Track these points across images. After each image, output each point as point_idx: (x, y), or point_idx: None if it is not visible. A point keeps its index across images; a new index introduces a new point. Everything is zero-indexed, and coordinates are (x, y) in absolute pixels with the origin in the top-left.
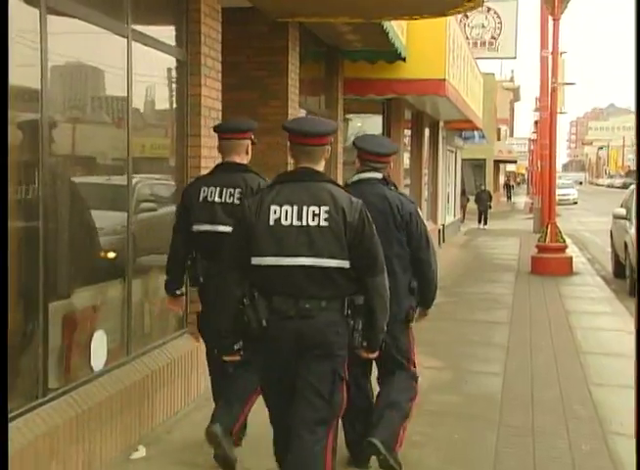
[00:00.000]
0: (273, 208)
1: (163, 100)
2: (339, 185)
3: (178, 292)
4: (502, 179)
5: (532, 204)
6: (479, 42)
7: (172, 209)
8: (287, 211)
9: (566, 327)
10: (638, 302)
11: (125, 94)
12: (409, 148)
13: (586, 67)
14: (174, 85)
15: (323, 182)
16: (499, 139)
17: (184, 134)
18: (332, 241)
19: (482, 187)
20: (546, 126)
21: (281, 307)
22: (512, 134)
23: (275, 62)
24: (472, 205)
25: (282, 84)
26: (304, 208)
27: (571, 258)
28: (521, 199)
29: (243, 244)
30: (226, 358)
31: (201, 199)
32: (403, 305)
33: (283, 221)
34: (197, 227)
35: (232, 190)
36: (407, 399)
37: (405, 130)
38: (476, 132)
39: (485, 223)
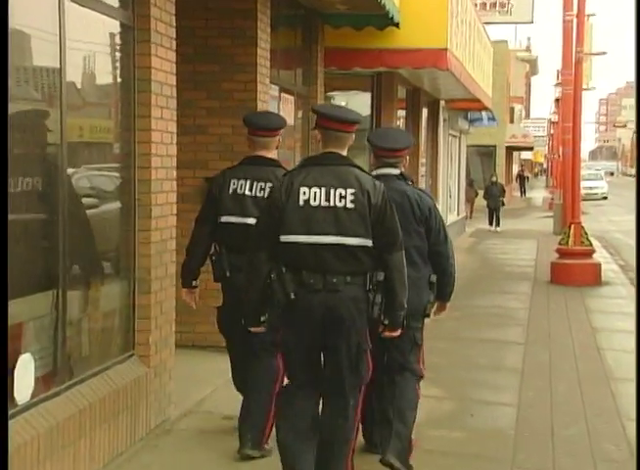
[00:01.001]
0: (303, 189)
1: (105, 73)
2: (363, 169)
3: (194, 283)
4: (516, 169)
5: (552, 199)
6: (488, 3)
7: (117, 204)
8: (315, 193)
9: (593, 348)
10: (638, 302)
11: (58, 65)
12: None
13: (619, 33)
14: (118, 55)
15: (348, 166)
16: (512, 121)
17: (131, 115)
18: (357, 221)
19: (494, 179)
20: (570, 105)
21: (309, 281)
22: (528, 115)
23: (241, 28)
24: (480, 201)
25: (249, 55)
26: (332, 190)
27: (599, 265)
28: (538, 193)
29: (272, 223)
30: (252, 329)
31: (230, 191)
32: (423, 297)
33: (312, 202)
34: (225, 218)
35: (263, 184)
36: (412, 406)
37: (399, 111)
38: (484, 113)
39: (498, 224)
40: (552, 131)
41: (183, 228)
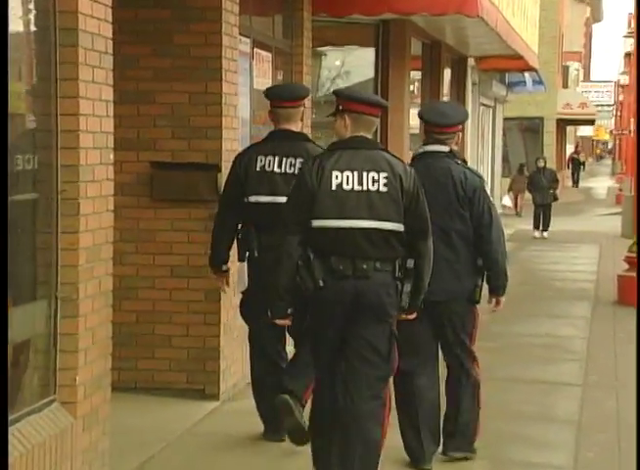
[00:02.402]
0: (335, 173)
1: (14, 19)
2: (391, 153)
3: (224, 267)
4: (570, 150)
5: (621, 190)
6: None
7: (32, 196)
8: (348, 177)
9: None
10: (638, 306)
11: None
12: (418, 100)
13: None
14: None
15: (378, 150)
16: (567, 85)
17: (51, 77)
18: (390, 205)
19: (540, 164)
20: None
21: (339, 267)
22: (588, 77)
23: None
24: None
25: None
26: (364, 173)
27: None
28: (602, 182)
29: (304, 208)
30: (278, 322)
31: (258, 168)
32: (465, 282)
33: (344, 186)
34: (255, 198)
35: (293, 160)
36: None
37: (412, 72)
38: (527, 75)
39: (546, 228)
40: (621, 98)
41: (123, 230)
